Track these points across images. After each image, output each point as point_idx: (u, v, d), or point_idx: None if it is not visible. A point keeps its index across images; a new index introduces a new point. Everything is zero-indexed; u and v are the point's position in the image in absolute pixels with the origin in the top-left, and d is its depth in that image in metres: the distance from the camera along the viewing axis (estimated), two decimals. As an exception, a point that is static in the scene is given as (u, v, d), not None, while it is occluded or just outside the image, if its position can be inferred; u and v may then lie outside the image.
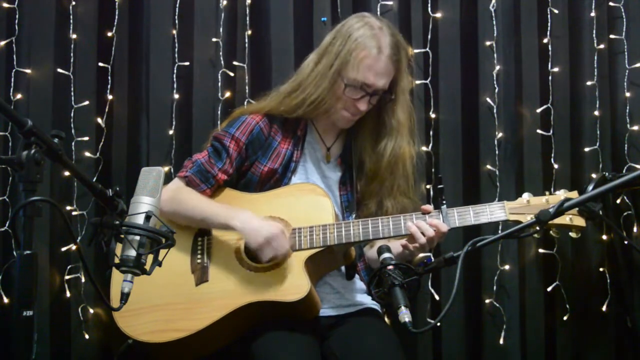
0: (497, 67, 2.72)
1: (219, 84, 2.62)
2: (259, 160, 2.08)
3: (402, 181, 2.10)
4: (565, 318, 2.70)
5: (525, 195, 1.96)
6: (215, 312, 1.88)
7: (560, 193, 1.96)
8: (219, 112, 2.61)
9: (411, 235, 1.90)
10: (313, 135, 2.15)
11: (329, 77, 1.98)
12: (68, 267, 2.52)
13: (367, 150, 2.11)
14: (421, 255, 2.42)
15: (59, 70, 2.54)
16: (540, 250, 2.70)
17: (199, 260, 1.99)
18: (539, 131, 2.74)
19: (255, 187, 2.08)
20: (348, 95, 1.99)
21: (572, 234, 1.93)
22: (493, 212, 1.92)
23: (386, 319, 2.26)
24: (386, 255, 1.67)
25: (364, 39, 1.96)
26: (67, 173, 2.51)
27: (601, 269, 2.73)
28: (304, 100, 2.01)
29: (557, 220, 1.84)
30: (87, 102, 2.56)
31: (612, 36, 2.80)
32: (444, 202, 1.92)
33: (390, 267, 1.62)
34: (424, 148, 2.64)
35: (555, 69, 2.76)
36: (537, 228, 1.54)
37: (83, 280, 2.53)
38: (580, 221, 1.89)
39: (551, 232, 1.92)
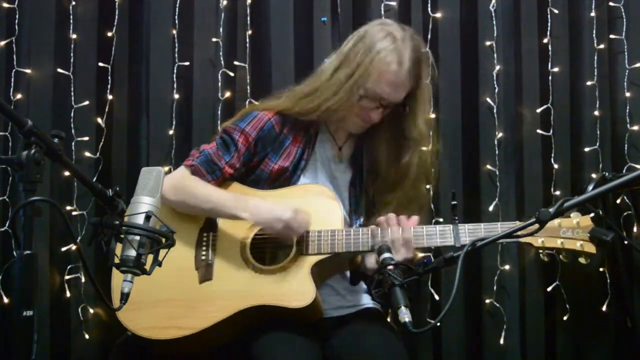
0: (497, 67, 2.73)
1: (219, 84, 2.63)
2: (269, 157, 2.06)
3: (420, 193, 2.16)
4: (565, 318, 2.70)
5: None
6: (218, 312, 1.87)
7: (573, 216, 1.91)
8: (219, 112, 2.61)
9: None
10: (325, 134, 2.13)
11: (347, 87, 1.96)
12: (68, 267, 2.52)
13: (386, 159, 2.08)
14: (421, 255, 2.41)
15: (59, 70, 2.54)
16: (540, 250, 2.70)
17: (203, 257, 1.97)
18: (539, 131, 2.74)
19: (264, 184, 2.06)
20: (362, 105, 1.99)
21: (582, 260, 1.88)
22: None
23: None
24: (386, 255, 1.67)
25: (386, 52, 1.93)
26: (67, 173, 2.51)
27: (601, 269, 2.73)
28: (319, 106, 1.99)
29: (568, 245, 1.84)
30: (87, 102, 2.56)
31: (612, 36, 2.80)
32: (456, 218, 1.90)
33: (390, 267, 1.62)
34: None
35: (555, 69, 2.76)
36: (537, 227, 1.53)
37: (83, 280, 2.53)
38: (590, 247, 1.86)
39: (561, 256, 1.90)
